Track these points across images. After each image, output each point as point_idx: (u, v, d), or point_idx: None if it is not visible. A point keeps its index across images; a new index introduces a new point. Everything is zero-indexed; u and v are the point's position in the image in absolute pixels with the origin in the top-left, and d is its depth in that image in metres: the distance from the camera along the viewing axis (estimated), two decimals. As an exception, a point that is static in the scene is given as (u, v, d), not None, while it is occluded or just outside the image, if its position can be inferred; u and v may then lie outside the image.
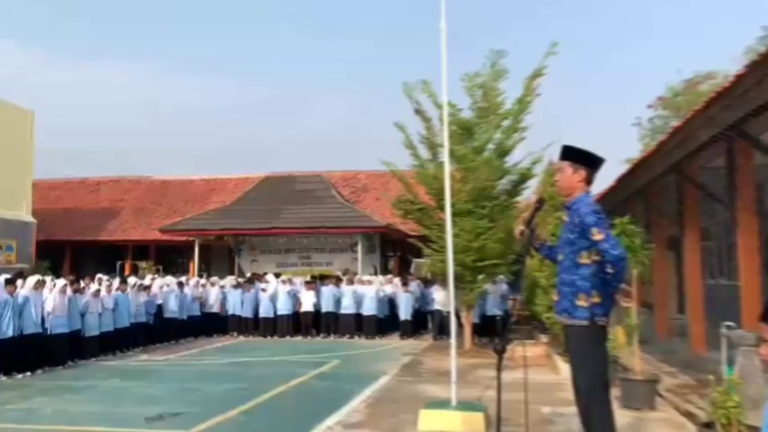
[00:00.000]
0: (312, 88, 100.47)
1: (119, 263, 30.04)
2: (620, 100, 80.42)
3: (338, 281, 19.82)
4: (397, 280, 21.03)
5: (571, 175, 4.56)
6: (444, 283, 15.35)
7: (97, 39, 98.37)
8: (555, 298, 4.68)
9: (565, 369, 11.12)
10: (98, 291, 14.56)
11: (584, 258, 4.38)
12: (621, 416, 7.74)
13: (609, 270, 4.27)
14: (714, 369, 6.46)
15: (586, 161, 4.56)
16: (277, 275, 21.17)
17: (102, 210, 31.95)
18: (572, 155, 4.60)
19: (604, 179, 15.89)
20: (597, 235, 4.25)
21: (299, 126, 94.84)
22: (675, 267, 16.13)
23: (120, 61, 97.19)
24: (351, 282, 19.62)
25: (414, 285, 19.84)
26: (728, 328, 8.05)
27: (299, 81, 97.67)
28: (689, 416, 8.01)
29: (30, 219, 25.56)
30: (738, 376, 6.52)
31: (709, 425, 6.08)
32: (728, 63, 33.06)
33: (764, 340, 2.59)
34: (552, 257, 4.88)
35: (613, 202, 15.43)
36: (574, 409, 4.79)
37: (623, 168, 15.73)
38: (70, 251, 30.10)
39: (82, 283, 14.91)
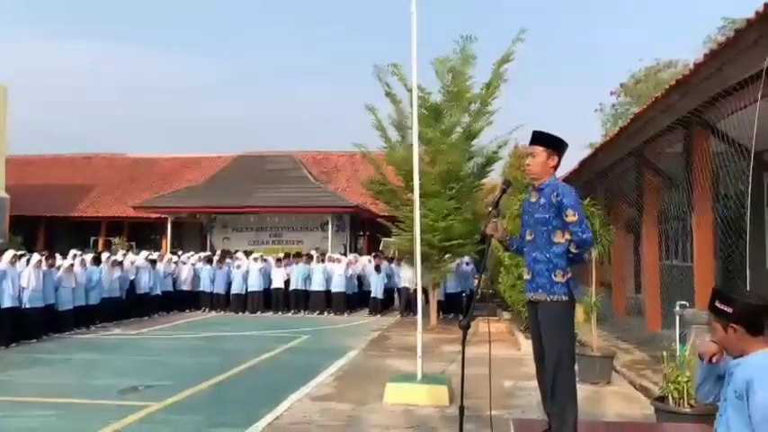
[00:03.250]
0: (285, 68, 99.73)
1: (92, 239, 29.97)
2: (584, 86, 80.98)
3: (309, 258, 20.07)
4: (364, 258, 21.40)
5: (545, 159, 4.64)
6: (412, 262, 15.65)
7: (70, 17, 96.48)
8: (526, 277, 4.73)
9: (526, 345, 11.51)
10: (71, 266, 14.64)
11: (559, 237, 4.51)
12: (579, 389, 7.98)
13: (572, 250, 4.48)
14: (668, 346, 6.78)
15: (559, 148, 4.69)
16: (248, 253, 21.37)
17: (76, 186, 31.58)
18: (547, 140, 4.69)
19: (568, 162, 16.28)
20: (572, 216, 4.43)
21: (272, 106, 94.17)
22: (633, 248, 16.59)
23: (93, 39, 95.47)
24: (321, 260, 19.89)
25: (385, 265, 20.12)
26: (682, 307, 8.35)
27: (272, 61, 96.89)
28: (643, 390, 8.43)
29: (3, 194, 25.29)
30: (690, 353, 6.84)
31: (661, 399, 6.37)
32: (689, 52, 33.55)
33: (712, 326, 2.70)
34: (519, 250, 4.93)
35: (575, 185, 15.72)
36: (533, 383, 5.00)
37: (585, 153, 16.13)
38: (44, 227, 29.90)
39: (58, 259, 14.90)
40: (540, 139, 4.71)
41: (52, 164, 34.58)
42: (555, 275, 4.52)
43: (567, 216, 4.45)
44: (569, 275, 4.53)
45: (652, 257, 12.71)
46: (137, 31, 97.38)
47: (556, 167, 4.70)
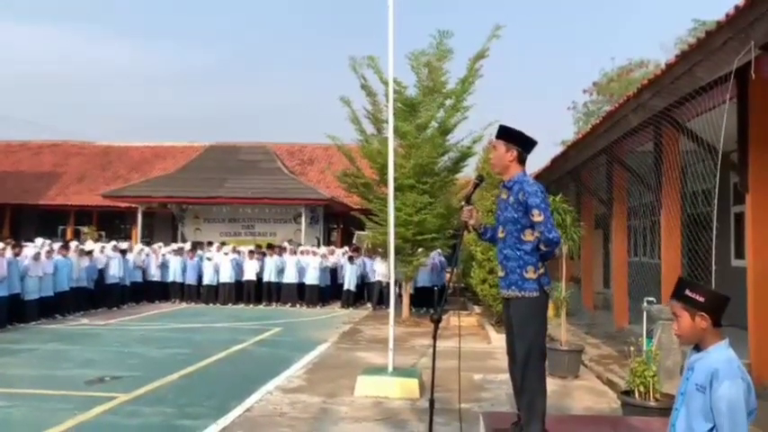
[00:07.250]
0: (260, 59, 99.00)
1: (60, 228, 29.51)
2: (558, 84, 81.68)
3: (281, 250, 20.01)
4: (339, 251, 21.35)
5: (504, 153, 4.74)
6: (385, 256, 15.67)
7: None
8: (500, 274, 4.81)
9: (496, 338, 11.63)
10: (38, 254, 14.43)
11: (528, 235, 4.58)
12: (548, 383, 8.15)
13: (542, 248, 4.56)
14: (635, 341, 6.90)
15: (519, 141, 4.77)
16: (222, 244, 21.22)
17: (44, 174, 31.08)
18: (506, 134, 4.78)
19: (540, 160, 16.46)
20: (537, 216, 4.50)
21: (245, 96, 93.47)
22: (602, 244, 16.80)
23: (61, 24, 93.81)
24: (294, 252, 19.83)
25: (359, 260, 20.12)
26: (649, 302, 8.51)
27: (247, 51, 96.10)
28: (610, 384, 8.56)
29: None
30: (656, 348, 6.97)
31: (628, 393, 6.48)
32: (659, 53, 33.98)
33: (675, 316, 2.73)
34: (493, 239, 5.01)
35: (547, 182, 15.92)
36: (503, 377, 5.06)
37: (558, 150, 16.28)
38: (10, 215, 29.39)
39: (25, 248, 14.66)
40: (500, 132, 4.82)
41: (20, 151, 33.89)
42: (526, 272, 4.59)
43: (533, 216, 4.52)
44: (541, 272, 4.59)
45: (620, 254, 12.87)
46: (107, 17, 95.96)
47: (518, 161, 4.74)
